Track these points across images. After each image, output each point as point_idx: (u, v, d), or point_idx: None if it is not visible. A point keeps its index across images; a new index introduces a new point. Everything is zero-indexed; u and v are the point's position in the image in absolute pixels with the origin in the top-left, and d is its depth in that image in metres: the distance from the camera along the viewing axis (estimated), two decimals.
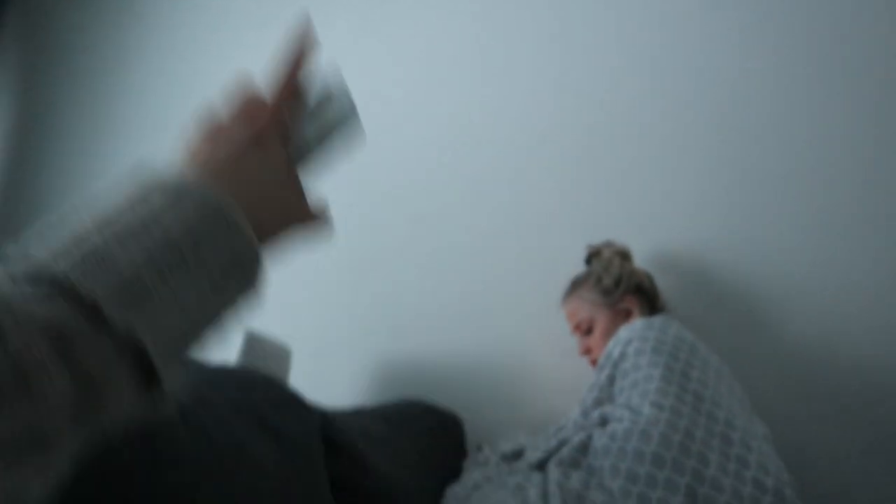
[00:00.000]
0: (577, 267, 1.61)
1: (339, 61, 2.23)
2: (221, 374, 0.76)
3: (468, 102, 2.03)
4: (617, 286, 1.48)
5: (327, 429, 0.97)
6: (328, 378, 1.94)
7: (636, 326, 1.30)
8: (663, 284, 1.58)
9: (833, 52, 1.65)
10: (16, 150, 2.86)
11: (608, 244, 1.61)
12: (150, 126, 2.61)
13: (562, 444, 1.24)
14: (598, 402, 1.28)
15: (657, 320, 1.32)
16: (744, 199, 1.64)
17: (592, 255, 1.60)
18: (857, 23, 1.64)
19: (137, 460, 0.51)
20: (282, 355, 1.77)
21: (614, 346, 1.30)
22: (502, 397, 1.73)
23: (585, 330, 1.50)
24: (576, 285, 1.55)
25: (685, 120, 1.74)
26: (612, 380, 1.27)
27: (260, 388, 0.82)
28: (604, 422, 1.21)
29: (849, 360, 1.49)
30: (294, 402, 0.87)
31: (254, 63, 2.43)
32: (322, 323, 2.01)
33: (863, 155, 1.57)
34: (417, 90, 2.13)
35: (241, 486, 0.64)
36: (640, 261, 1.61)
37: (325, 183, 2.14)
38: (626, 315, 1.47)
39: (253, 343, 1.63)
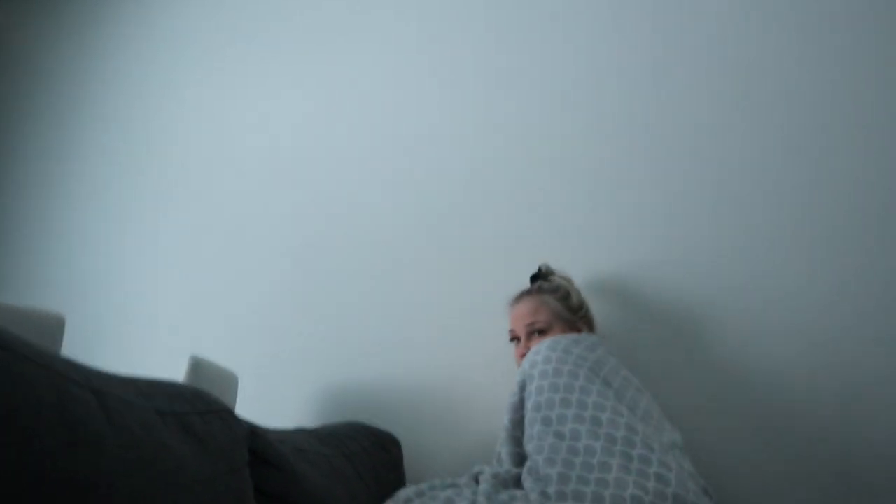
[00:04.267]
0: (510, 292, 1.68)
1: (297, 92, 2.32)
2: (150, 384, 0.82)
3: (412, 133, 2.12)
4: (580, 308, 1.59)
5: (256, 442, 1.02)
6: (275, 403, 1.98)
7: (542, 347, 1.38)
8: (593, 307, 1.66)
9: (752, 85, 1.78)
10: None
11: (552, 270, 1.70)
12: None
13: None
14: (514, 423, 1.35)
15: (563, 340, 1.40)
16: (667, 223, 1.75)
17: (546, 274, 1.69)
18: (769, 67, 1.77)
19: (58, 444, 0.56)
20: (228, 381, 1.81)
21: (524, 367, 1.38)
22: (441, 419, 1.79)
23: (538, 329, 1.56)
24: (541, 290, 1.63)
25: (611, 150, 1.85)
26: (523, 401, 1.35)
27: (188, 398, 0.87)
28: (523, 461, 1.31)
29: (767, 377, 1.59)
30: (220, 413, 0.92)
31: (199, 97, 2.51)
32: (268, 349, 2.06)
33: (782, 178, 1.68)
34: (364, 120, 2.22)
35: (162, 479, 0.69)
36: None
37: (272, 208, 2.22)
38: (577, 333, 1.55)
39: (198, 368, 1.67)
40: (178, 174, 2.47)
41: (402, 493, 1.31)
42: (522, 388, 1.36)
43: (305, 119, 2.31)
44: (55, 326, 1.29)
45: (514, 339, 1.63)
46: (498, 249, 1.89)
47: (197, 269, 2.28)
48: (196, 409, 0.87)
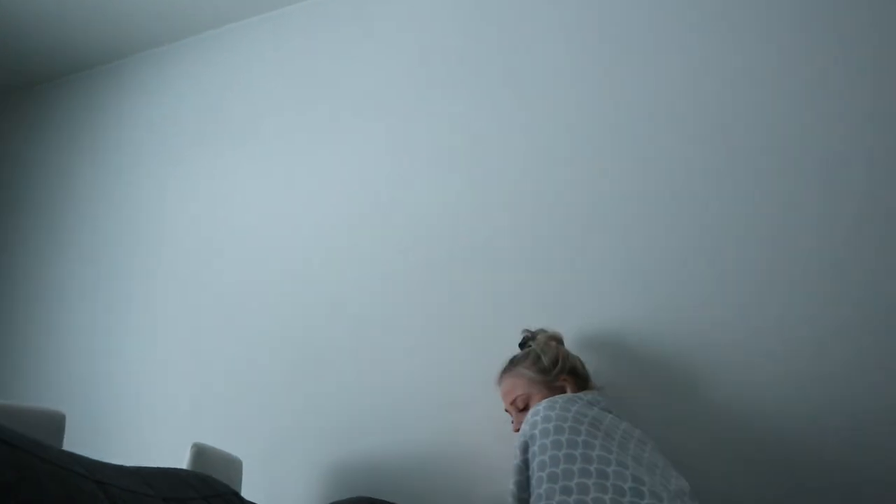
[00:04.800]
0: (509, 355, 1.70)
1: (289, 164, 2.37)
2: (155, 473, 0.82)
3: (398, 205, 2.17)
4: (554, 366, 1.58)
5: None
6: (280, 485, 1.96)
7: (540, 408, 1.39)
8: (590, 361, 1.67)
9: (724, 133, 1.84)
10: None
11: (541, 330, 1.71)
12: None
13: None
14: (520, 485, 1.35)
15: (560, 399, 1.41)
16: (657, 274, 1.78)
17: (528, 339, 1.70)
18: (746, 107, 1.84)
19: None
20: (232, 466, 1.79)
21: (524, 429, 1.38)
22: (448, 486, 1.77)
23: (521, 406, 1.58)
24: (514, 363, 1.64)
25: (600, 205, 1.90)
26: (526, 463, 1.35)
27: (193, 484, 0.88)
28: None
29: (767, 417, 1.59)
30: (228, 497, 0.92)
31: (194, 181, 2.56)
32: (270, 432, 2.05)
33: (774, 223, 1.72)
34: (351, 196, 2.26)
35: None
36: (568, 343, 1.71)
37: (264, 293, 2.24)
38: (561, 392, 1.55)
39: (201, 456, 1.66)
40: (170, 267, 2.49)
41: None
42: (524, 449, 1.36)
43: (292, 199, 2.36)
44: (56, 423, 1.29)
45: (508, 413, 1.65)
46: (491, 313, 1.91)
47: (194, 358, 2.28)
48: (202, 494, 0.87)
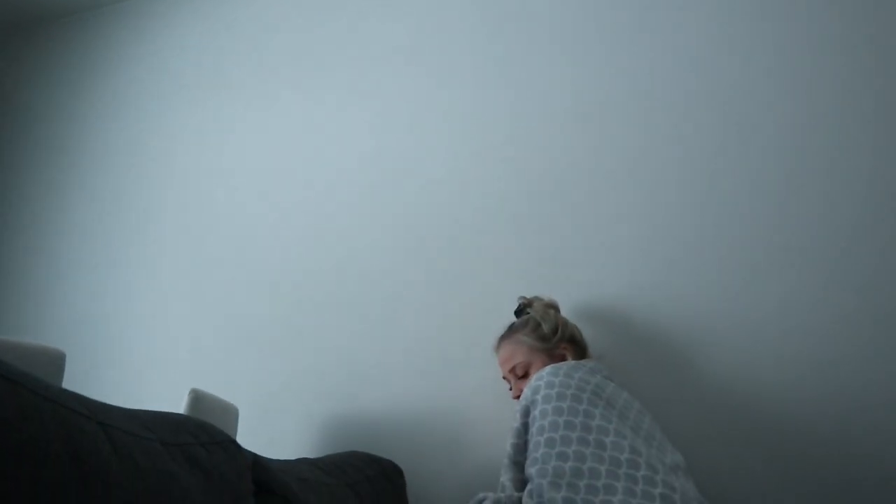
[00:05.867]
0: (507, 320, 1.70)
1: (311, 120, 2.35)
2: (154, 416, 0.82)
3: (404, 164, 2.15)
4: (555, 333, 1.58)
5: (260, 472, 1.02)
6: (275, 435, 1.97)
7: (544, 373, 1.39)
8: (585, 332, 1.67)
9: (729, 109, 1.81)
10: None
11: (537, 297, 1.71)
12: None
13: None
14: (516, 448, 1.36)
15: (564, 366, 1.41)
16: (657, 248, 1.77)
17: (524, 306, 1.69)
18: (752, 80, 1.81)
19: (67, 478, 0.57)
20: (228, 413, 1.80)
21: (526, 393, 1.39)
22: (442, 446, 1.79)
23: (521, 374, 1.58)
24: (513, 330, 1.64)
25: (601, 174, 1.88)
26: (526, 427, 1.35)
27: (189, 429, 0.88)
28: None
29: (763, 394, 1.60)
30: (225, 444, 0.92)
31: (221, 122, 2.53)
32: (267, 381, 2.06)
33: (778, 198, 1.71)
34: (356, 151, 2.24)
35: None
36: (562, 312, 1.71)
37: (269, 240, 2.24)
38: (561, 360, 1.56)
39: (199, 402, 1.67)
40: (175, 207, 2.48)
41: None
42: (525, 413, 1.36)
43: (304, 150, 2.34)
44: (56, 362, 1.29)
45: (506, 379, 1.65)
46: (492, 277, 1.91)
47: (196, 303, 2.28)
48: (200, 440, 0.87)
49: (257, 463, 1.03)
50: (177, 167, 2.54)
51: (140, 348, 2.30)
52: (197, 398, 1.68)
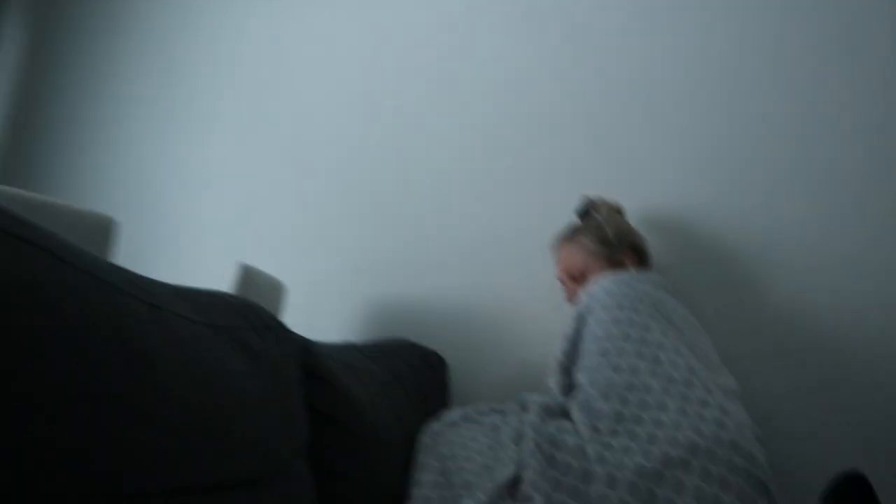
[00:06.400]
0: (566, 219, 1.63)
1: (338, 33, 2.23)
2: (203, 297, 0.79)
3: (466, 55, 2.02)
4: (618, 240, 1.50)
5: (308, 357, 1.00)
6: (321, 316, 1.98)
7: (604, 281, 1.33)
8: (651, 242, 1.60)
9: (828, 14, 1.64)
10: (20, 100, 2.86)
11: (602, 200, 1.62)
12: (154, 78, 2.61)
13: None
14: (567, 354, 1.32)
15: (625, 276, 1.35)
16: (731, 160, 1.65)
17: (588, 207, 1.61)
18: None
19: (113, 360, 0.54)
20: (275, 290, 1.80)
21: (584, 299, 1.34)
22: (488, 341, 1.77)
23: (577, 277, 1.52)
24: (575, 232, 1.57)
25: (675, 80, 1.74)
26: (579, 333, 1.31)
27: (240, 312, 0.85)
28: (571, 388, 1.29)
29: (822, 325, 1.53)
30: (274, 328, 0.90)
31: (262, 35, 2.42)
32: (317, 261, 2.05)
33: (841, 110, 1.57)
34: (420, 43, 2.12)
35: (217, 395, 0.67)
36: (629, 218, 1.63)
37: (327, 120, 2.17)
38: (621, 268, 1.49)
39: (247, 276, 1.66)
40: (230, 78, 2.41)
41: (448, 416, 1.30)
42: (580, 319, 1.32)
43: (364, 39, 2.21)
44: (106, 229, 1.27)
45: (561, 282, 1.59)
46: (553, 176, 1.82)
47: (247, 177, 2.25)
48: (251, 324, 0.84)
49: (306, 348, 1.01)
50: (236, 45, 2.45)
51: (190, 219, 2.30)
52: (246, 272, 1.67)
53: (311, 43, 2.29)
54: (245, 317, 0.85)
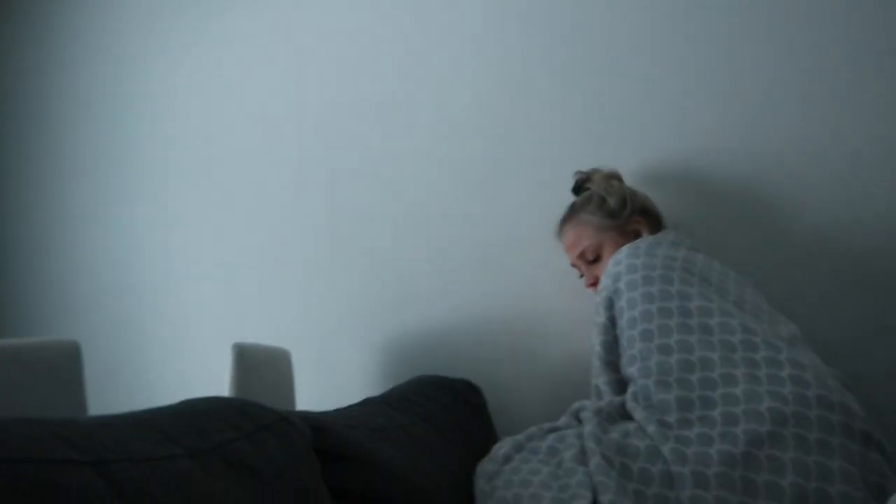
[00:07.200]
0: (566, 202, 1.50)
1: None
2: (177, 415, 0.66)
3: (439, 48, 1.87)
4: (623, 207, 1.38)
5: (323, 439, 0.87)
6: (336, 373, 1.85)
7: (621, 256, 1.20)
8: (655, 199, 1.46)
9: None
10: None
11: (595, 170, 1.50)
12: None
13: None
14: (606, 346, 1.18)
15: (642, 244, 1.22)
16: (728, 99, 1.54)
17: (583, 181, 1.49)
18: None
19: None
20: (279, 360, 1.67)
21: (605, 283, 1.21)
22: (518, 352, 1.64)
23: (592, 258, 1.39)
24: (575, 210, 1.44)
25: (659, 30, 1.62)
26: (613, 321, 1.18)
27: (229, 420, 0.71)
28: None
29: (859, 246, 1.40)
30: (273, 425, 0.76)
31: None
32: (317, 317, 1.91)
33: (855, 47, 1.45)
34: (388, 50, 1.98)
35: None
36: (628, 182, 1.50)
37: (292, 172, 2.02)
38: (635, 237, 1.36)
39: (244, 355, 1.53)
40: (183, 156, 2.26)
41: (500, 451, 1.16)
42: (609, 305, 1.18)
43: (315, 68, 2.06)
44: (71, 354, 1.15)
45: (577, 268, 1.46)
46: (539, 156, 1.68)
47: (225, 252, 2.10)
48: (242, 431, 0.71)
49: (319, 429, 0.88)
50: (180, 117, 2.31)
51: (176, 311, 2.16)
52: (241, 353, 1.54)
53: (256, 93, 2.16)
54: (233, 424, 0.71)
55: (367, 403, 1.26)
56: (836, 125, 1.44)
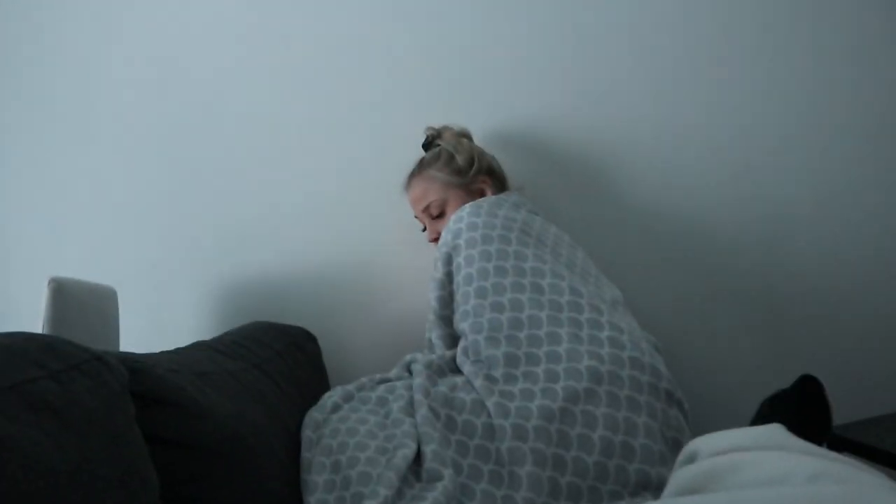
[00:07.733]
0: (414, 156, 1.50)
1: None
2: None
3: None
4: (471, 166, 1.40)
5: (142, 382, 0.83)
6: (166, 314, 1.76)
7: (464, 213, 1.23)
8: (501, 160, 1.50)
9: None
10: None
11: (446, 127, 1.51)
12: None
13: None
14: (441, 301, 1.22)
15: (485, 203, 1.26)
16: (579, 69, 1.59)
17: (433, 138, 1.50)
18: None
19: None
20: (104, 298, 1.56)
21: (446, 238, 1.23)
22: (356, 303, 1.64)
23: (436, 213, 1.41)
24: (424, 165, 1.46)
25: None
26: (450, 276, 1.21)
27: (34, 357, 0.66)
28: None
29: (688, 216, 1.51)
30: (84, 365, 0.71)
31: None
32: (148, 255, 1.79)
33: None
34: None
35: (12, 488, 0.50)
36: (479, 141, 1.53)
37: (128, 103, 1.86)
38: (480, 196, 1.39)
39: (62, 292, 1.41)
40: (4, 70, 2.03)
41: (329, 400, 1.16)
42: (448, 261, 1.20)
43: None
44: None
45: (420, 221, 1.47)
46: (388, 110, 1.66)
47: (49, 176, 1.90)
48: (47, 369, 0.66)
49: (137, 371, 0.83)
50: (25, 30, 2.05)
51: None
52: (59, 288, 1.41)
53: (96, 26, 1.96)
54: (38, 362, 0.66)
55: (195, 347, 1.21)
56: (675, 102, 1.54)
